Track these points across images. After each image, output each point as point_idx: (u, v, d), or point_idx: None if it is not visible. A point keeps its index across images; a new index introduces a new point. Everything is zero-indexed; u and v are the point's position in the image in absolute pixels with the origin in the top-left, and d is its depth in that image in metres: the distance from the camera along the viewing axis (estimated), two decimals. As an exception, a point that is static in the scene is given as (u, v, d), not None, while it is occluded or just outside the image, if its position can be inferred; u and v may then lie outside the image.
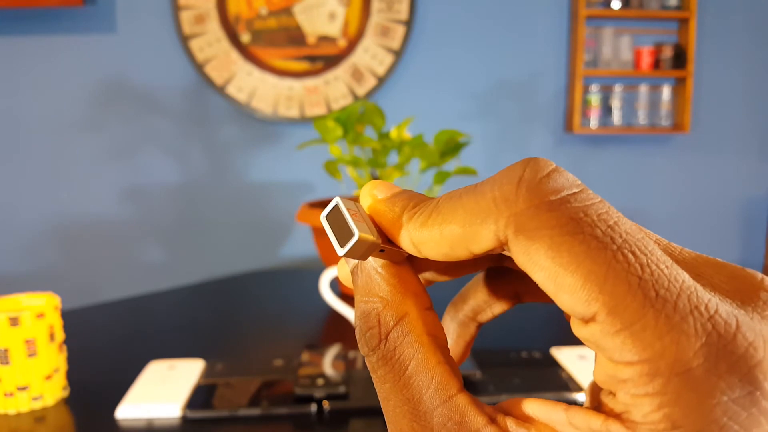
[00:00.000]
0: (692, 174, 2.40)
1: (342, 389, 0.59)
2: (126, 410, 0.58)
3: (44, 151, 2.17)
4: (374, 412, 0.57)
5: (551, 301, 0.20)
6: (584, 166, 2.35)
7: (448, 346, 0.18)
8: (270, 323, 0.88)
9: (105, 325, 0.88)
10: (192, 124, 2.21)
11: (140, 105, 2.17)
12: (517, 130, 2.31)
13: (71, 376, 0.65)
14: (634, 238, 0.14)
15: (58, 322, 0.62)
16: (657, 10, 2.21)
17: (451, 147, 0.93)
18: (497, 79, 2.27)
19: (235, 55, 2.15)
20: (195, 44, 2.13)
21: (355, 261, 0.18)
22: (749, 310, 0.14)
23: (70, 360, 0.68)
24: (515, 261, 0.15)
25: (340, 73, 2.19)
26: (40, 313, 0.59)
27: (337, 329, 0.83)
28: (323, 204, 1.00)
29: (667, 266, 0.14)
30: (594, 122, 2.28)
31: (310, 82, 2.19)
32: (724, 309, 0.13)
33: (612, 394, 0.14)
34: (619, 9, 2.21)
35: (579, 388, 0.60)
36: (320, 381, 0.60)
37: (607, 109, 2.31)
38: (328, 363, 0.65)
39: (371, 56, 2.18)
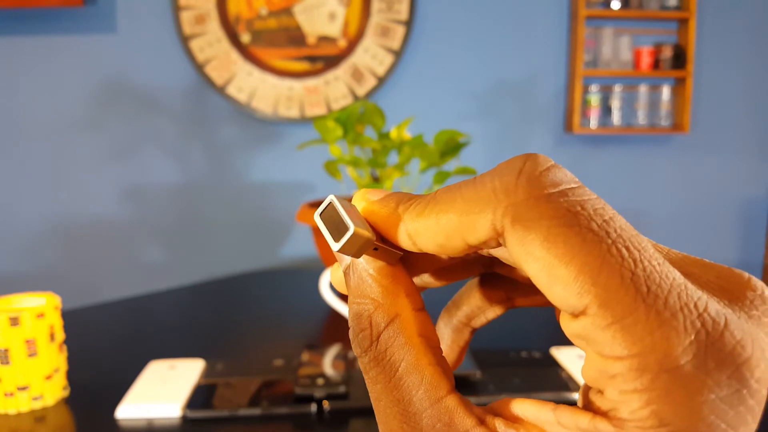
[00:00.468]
0: (692, 174, 2.40)
1: (342, 389, 0.59)
2: (126, 410, 0.58)
3: (44, 151, 2.17)
4: (374, 413, 0.57)
5: (543, 305, 0.20)
6: (584, 166, 2.35)
7: (443, 352, 0.18)
8: (270, 323, 0.88)
9: (105, 325, 0.88)
10: (192, 124, 2.21)
11: (140, 105, 2.17)
12: (517, 130, 2.31)
13: (71, 376, 0.65)
14: (628, 234, 0.14)
15: (58, 322, 0.62)
16: (657, 10, 2.21)
17: (451, 147, 0.93)
18: (497, 79, 2.27)
19: (235, 55, 2.15)
20: (195, 44, 2.13)
21: (348, 261, 0.18)
22: (737, 309, 0.14)
23: (71, 360, 0.68)
24: (509, 252, 0.15)
25: (340, 73, 2.19)
26: (40, 313, 0.59)
27: (337, 329, 0.83)
28: (323, 204, 1.00)
29: (659, 263, 0.14)
30: (594, 122, 2.28)
31: (310, 82, 2.19)
32: (713, 307, 0.13)
33: (600, 392, 0.14)
34: (619, 9, 2.21)
35: (579, 388, 0.60)
36: (320, 381, 0.60)
37: (606, 109, 2.31)
38: (328, 363, 0.65)
39: (371, 56, 2.19)
